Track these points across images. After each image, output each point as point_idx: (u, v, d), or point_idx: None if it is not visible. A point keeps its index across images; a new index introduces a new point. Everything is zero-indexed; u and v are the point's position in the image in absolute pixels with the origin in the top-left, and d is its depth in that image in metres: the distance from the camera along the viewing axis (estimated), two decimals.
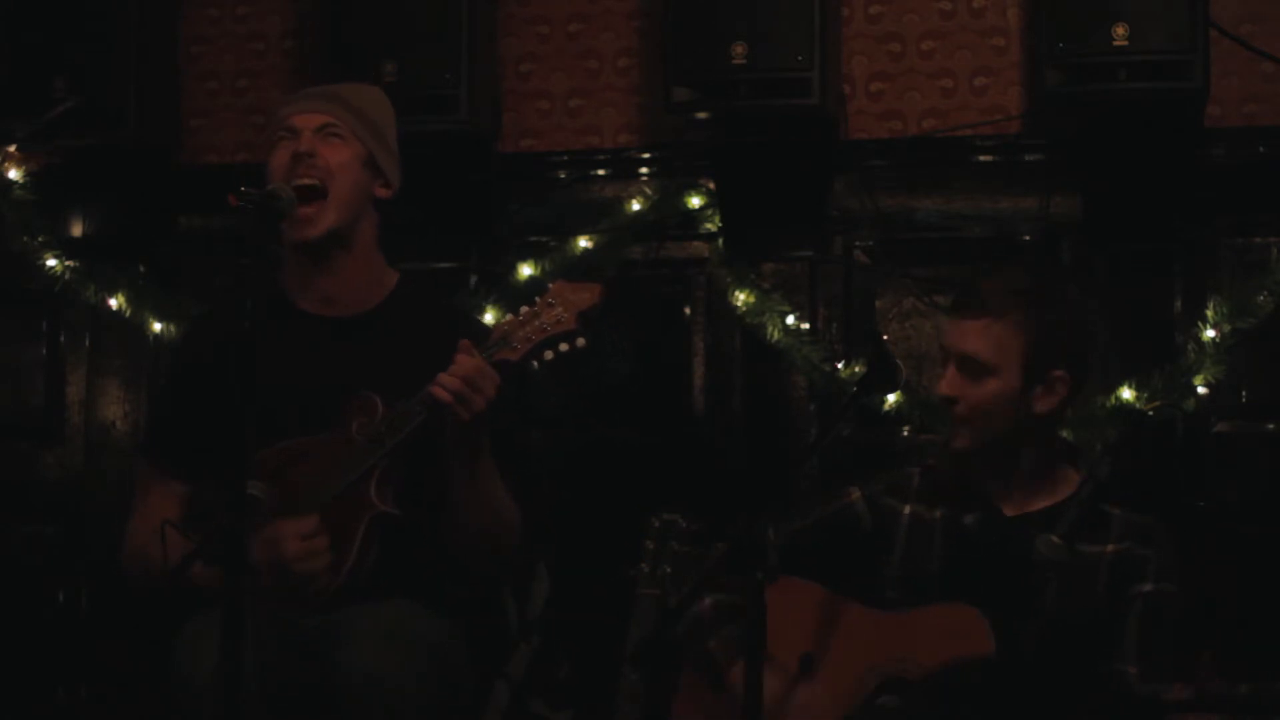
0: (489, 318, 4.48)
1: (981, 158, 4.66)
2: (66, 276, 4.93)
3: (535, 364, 3.08)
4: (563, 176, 4.89)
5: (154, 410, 3.48)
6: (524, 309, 3.09)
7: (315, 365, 3.21)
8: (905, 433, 4.55)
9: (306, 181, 3.20)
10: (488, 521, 3.17)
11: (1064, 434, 3.42)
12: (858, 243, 4.71)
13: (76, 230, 5.01)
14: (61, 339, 5.10)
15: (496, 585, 3.40)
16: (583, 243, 4.75)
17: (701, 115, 4.48)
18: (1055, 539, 3.03)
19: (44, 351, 5.09)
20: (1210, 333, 4.36)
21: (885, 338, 4.63)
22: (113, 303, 4.91)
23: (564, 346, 3.08)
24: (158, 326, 4.88)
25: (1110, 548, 3.15)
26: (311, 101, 3.33)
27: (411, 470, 3.14)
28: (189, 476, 3.27)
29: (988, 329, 3.14)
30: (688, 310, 4.80)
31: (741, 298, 4.65)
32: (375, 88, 3.46)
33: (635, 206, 4.77)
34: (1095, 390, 4.36)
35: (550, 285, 3.11)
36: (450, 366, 3.01)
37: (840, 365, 4.58)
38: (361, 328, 3.27)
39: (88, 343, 5.08)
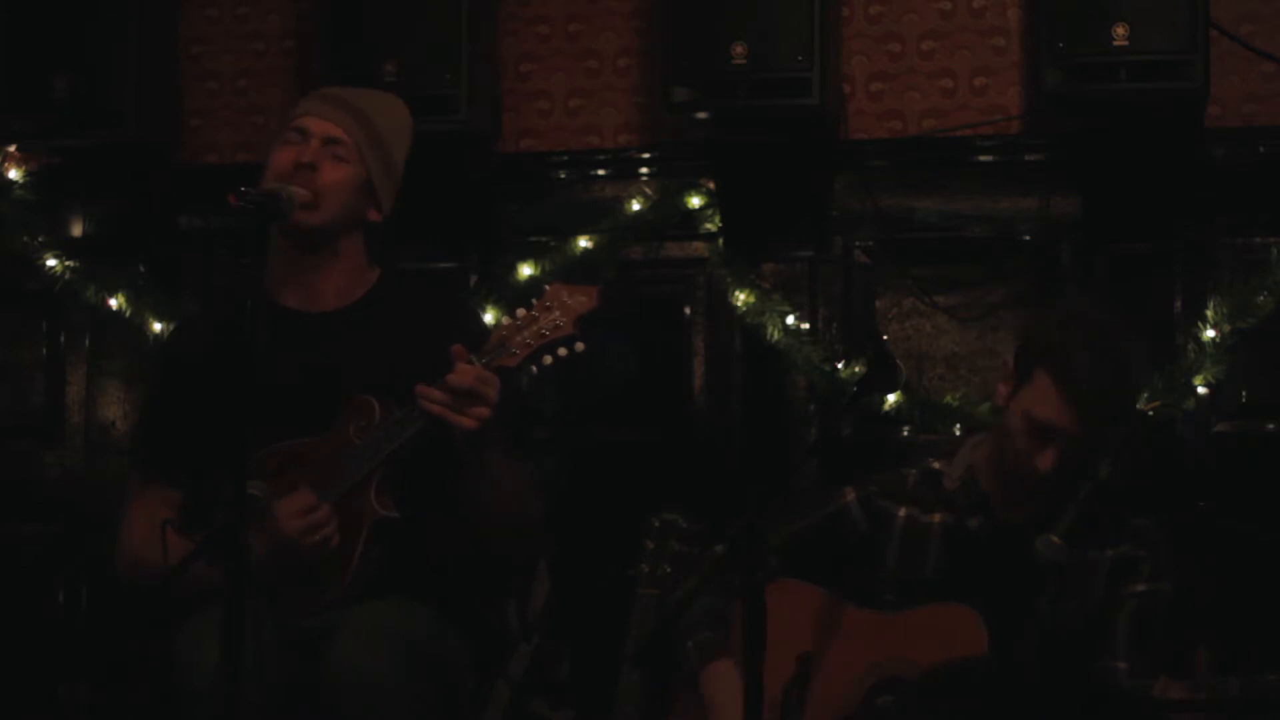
0: (489, 318, 4.48)
1: (981, 158, 4.66)
2: (66, 276, 4.93)
3: (534, 369, 3.08)
4: (563, 176, 4.89)
5: (143, 416, 3.46)
6: (521, 312, 3.07)
7: (301, 361, 3.20)
8: (905, 433, 4.55)
9: (301, 194, 3.20)
10: (506, 510, 3.18)
11: None
12: (858, 243, 4.71)
13: (76, 230, 5.02)
14: (61, 339, 5.09)
15: (497, 585, 3.40)
16: (583, 243, 4.75)
17: (701, 115, 4.48)
18: (1055, 539, 3.03)
19: (44, 351, 5.09)
20: (1210, 333, 4.36)
21: (885, 338, 4.63)
22: (113, 303, 4.91)
23: (563, 351, 3.06)
24: (158, 326, 4.87)
25: (1109, 553, 3.16)
26: (330, 108, 3.31)
27: (412, 472, 3.14)
28: (180, 481, 3.26)
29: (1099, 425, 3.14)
30: (688, 310, 4.80)
31: (741, 298, 4.65)
32: (400, 103, 3.44)
33: (635, 206, 4.77)
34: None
35: (547, 288, 3.09)
36: (449, 376, 3.01)
37: (840, 365, 4.58)
38: (346, 321, 3.27)
39: (88, 343, 5.08)
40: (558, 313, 3.05)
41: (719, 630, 3.22)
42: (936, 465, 3.32)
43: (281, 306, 3.27)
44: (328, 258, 3.27)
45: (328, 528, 3.04)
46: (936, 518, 3.24)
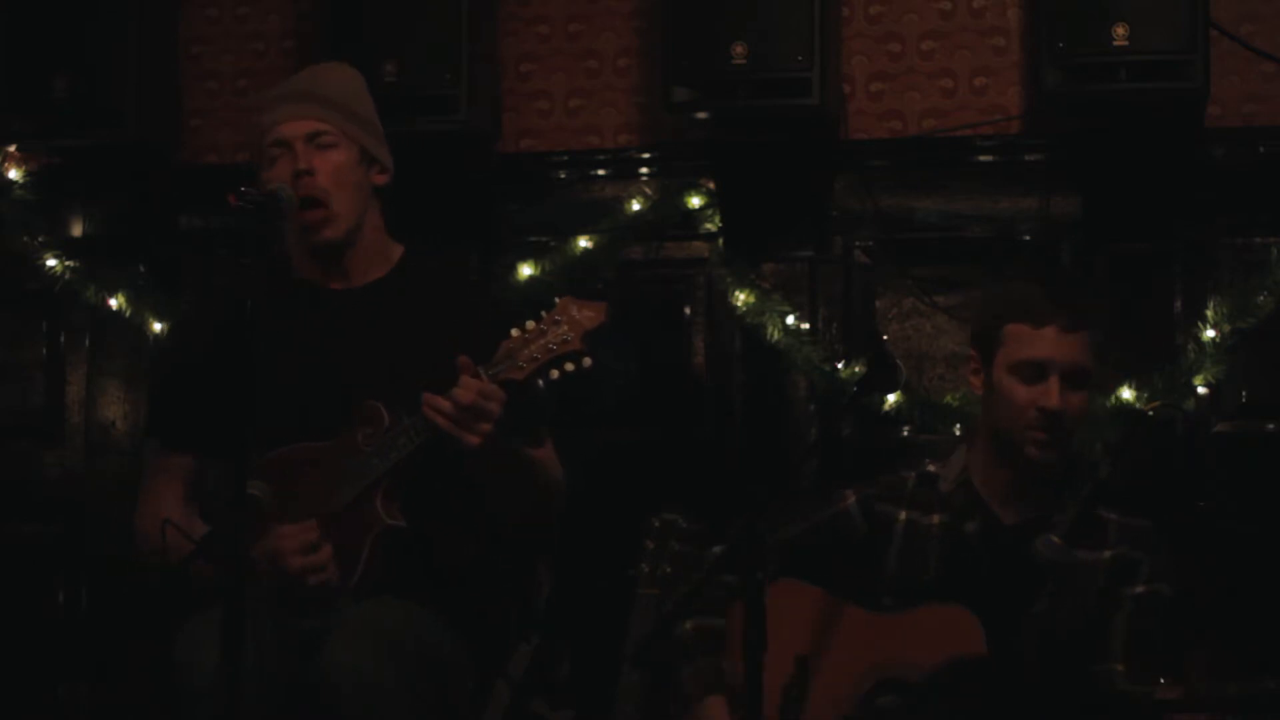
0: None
1: (981, 158, 4.66)
2: (66, 276, 4.93)
3: (540, 383, 3.07)
4: (563, 176, 4.88)
5: (157, 387, 3.48)
6: (530, 324, 3.06)
7: (323, 339, 3.21)
8: (905, 433, 4.55)
9: (312, 196, 3.20)
10: (522, 498, 3.20)
11: None
12: (858, 243, 4.71)
13: (76, 230, 5.02)
14: (61, 339, 5.09)
15: (499, 587, 3.39)
16: (583, 243, 4.74)
17: (701, 115, 4.48)
18: (1055, 539, 3.03)
19: (44, 351, 5.09)
20: (1210, 333, 4.36)
21: (885, 338, 4.63)
22: (113, 303, 4.91)
23: (569, 367, 3.06)
24: (158, 326, 4.88)
25: (1107, 554, 3.15)
26: (295, 106, 3.30)
27: (419, 479, 3.14)
28: (196, 450, 3.27)
29: (1087, 341, 3.15)
30: (688, 310, 4.80)
31: (741, 298, 4.64)
32: (345, 66, 3.44)
33: (635, 206, 4.76)
34: (1095, 390, 4.36)
35: (556, 300, 3.08)
36: (455, 390, 3.01)
37: (840, 365, 4.58)
38: (369, 299, 3.28)
39: (88, 343, 5.07)
40: (566, 327, 3.05)
41: (715, 657, 3.21)
42: (932, 468, 3.32)
43: (303, 279, 3.28)
44: (352, 247, 3.29)
45: (326, 572, 3.05)
46: (936, 519, 3.25)
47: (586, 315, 3.06)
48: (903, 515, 3.27)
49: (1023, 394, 3.13)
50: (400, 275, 3.32)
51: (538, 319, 3.07)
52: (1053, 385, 3.11)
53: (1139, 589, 3.13)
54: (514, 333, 3.08)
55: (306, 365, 3.18)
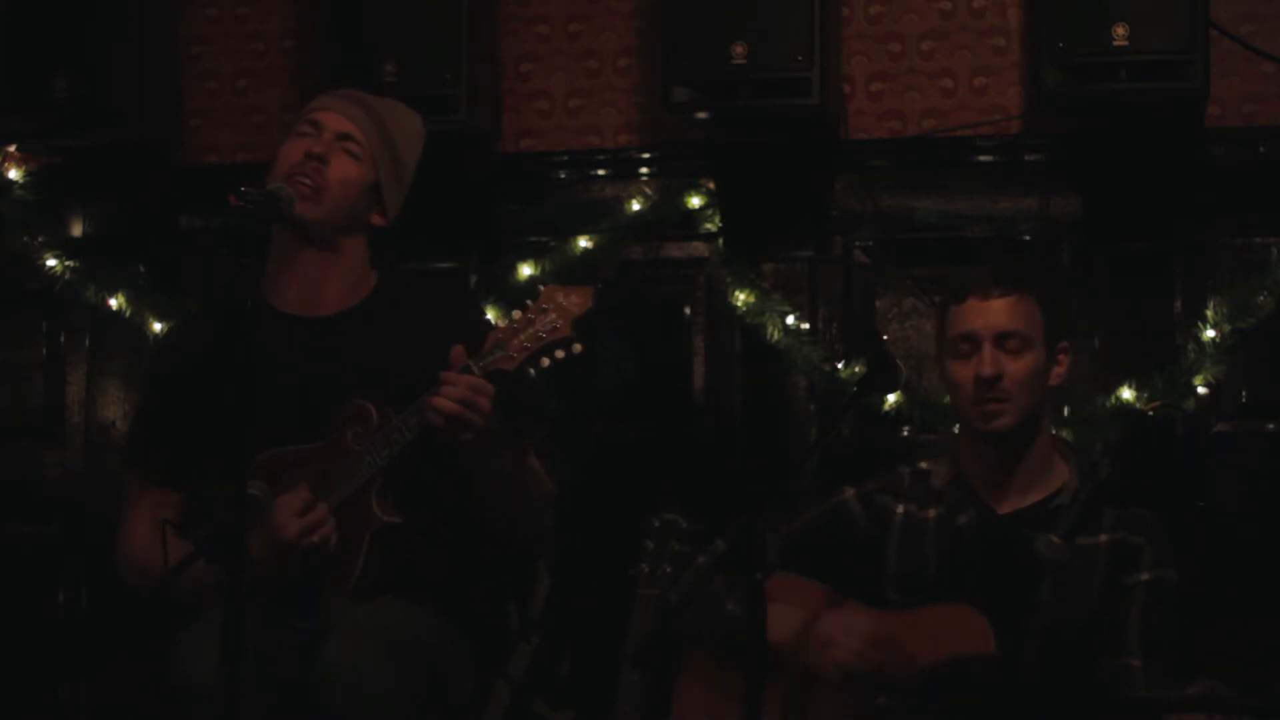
0: (488, 318, 4.48)
1: (981, 158, 4.66)
2: (66, 276, 4.94)
3: (532, 371, 3.07)
4: (563, 176, 4.88)
5: (138, 419, 3.44)
6: (516, 314, 3.06)
7: (302, 366, 3.19)
8: (905, 433, 4.55)
9: (304, 184, 3.20)
10: (514, 497, 3.19)
11: (1063, 433, 3.43)
12: (858, 243, 4.71)
13: (76, 230, 5.02)
14: (61, 339, 5.09)
15: (498, 584, 3.40)
16: (583, 243, 4.75)
17: (701, 115, 4.48)
18: (1055, 539, 3.03)
19: (44, 351, 5.09)
20: (1210, 333, 4.36)
21: (885, 338, 4.64)
22: (113, 303, 4.91)
23: (560, 354, 3.05)
24: (158, 326, 4.87)
25: (1103, 538, 3.16)
26: (347, 105, 3.31)
27: (413, 473, 3.13)
28: (177, 484, 3.25)
29: (1017, 305, 3.20)
30: (688, 310, 4.80)
31: (741, 298, 4.65)
32: (415, 115, 3.43)
33: (635, 206, 4.77)
34: (1095, 390, 4.37)
35: (541, 289, 3.08)
36: (443, 387, 3.00)
37: (840, 365, 4.58)
38: (343, 325, 3.26)
39: (88, 343, 5.08)
40: (554, 315, 3.04)
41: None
42: (924, 465, 3.34)
43: (279, 312, 3.25)
44: (329, 257, 3.26)
45: (325, 527, 3.03)
46: (932, 513, 3.26)
47: (574, 301, 3.05)
48: (900, 509, 3.29)
49: (961, 371, 3.19)
50: (378, 297, 3.31)
51: (524, 309, 3.06)
52: (985, 353, 3.16)
53: (1144, 576, 3.13)
54: (502, 323, 3.07)
55: (289, 389, 3.15)
